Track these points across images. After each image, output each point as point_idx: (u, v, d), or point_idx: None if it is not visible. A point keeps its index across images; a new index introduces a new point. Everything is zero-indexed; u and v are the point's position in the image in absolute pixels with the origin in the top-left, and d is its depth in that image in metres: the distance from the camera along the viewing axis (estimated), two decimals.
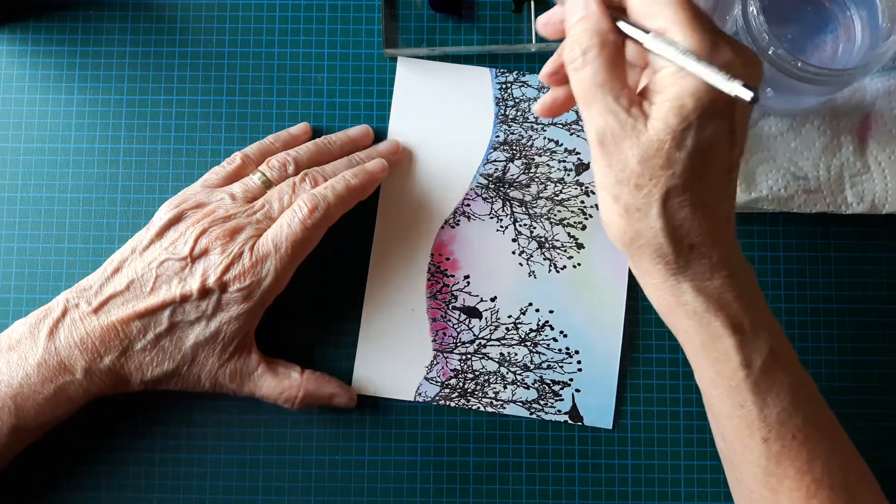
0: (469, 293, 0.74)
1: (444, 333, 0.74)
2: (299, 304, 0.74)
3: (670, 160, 0.52)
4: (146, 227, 0.68)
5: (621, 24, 0.54)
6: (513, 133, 0.76)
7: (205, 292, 0.65)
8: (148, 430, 0.73)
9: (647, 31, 0.53)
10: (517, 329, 0.74)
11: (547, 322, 0.74)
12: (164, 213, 0.67)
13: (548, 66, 0.60)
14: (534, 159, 0.75)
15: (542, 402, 0.73)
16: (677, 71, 0.51)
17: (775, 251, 0.74)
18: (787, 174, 0.73)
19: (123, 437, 0.73)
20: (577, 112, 0.75)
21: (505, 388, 0.73)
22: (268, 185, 0.69)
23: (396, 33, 0.76)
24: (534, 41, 0.76)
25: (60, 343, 0.64)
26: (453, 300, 0.74)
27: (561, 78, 0.59)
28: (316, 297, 0.74)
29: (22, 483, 0.72)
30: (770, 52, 0.65)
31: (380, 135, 0.75)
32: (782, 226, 0.75)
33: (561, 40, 0.57)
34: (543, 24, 0.60)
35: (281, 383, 0.69)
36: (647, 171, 0.52)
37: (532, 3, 0.76)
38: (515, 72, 0.76)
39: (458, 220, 0.75)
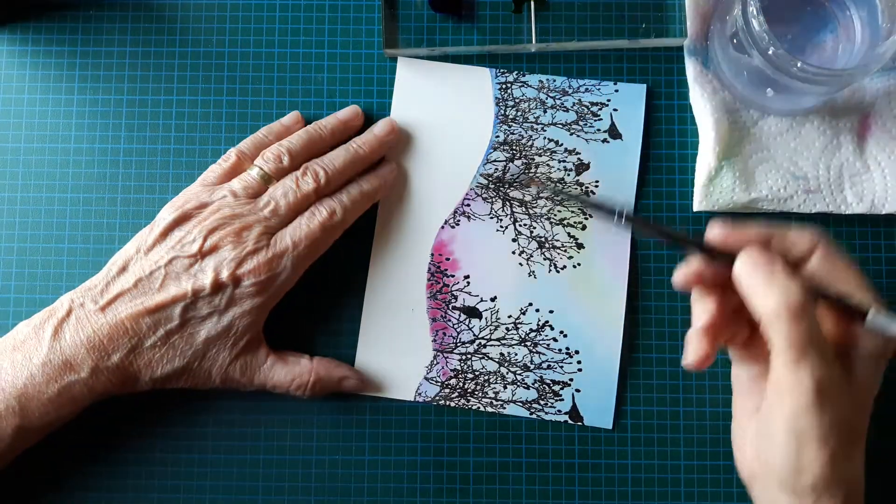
0: (469, 293, 0.75)
1: (444, 333, 0.74)
2: (300, 304, 0.74)
3: (871, 407, 0.59)
4: (149, 227, 0.68)
5: (873, 321, 0.58)
6: (513, 133, 0.76)
7: (218, 287, 0.65)
8: (148, 430, 0.73)
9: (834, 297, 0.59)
10: (517, 329, 0.74)
11: (547, 322, 0.74)
12: (167, 214, 0.68)
13: (689, 274, 0.61)
14: (534, 159, 0.76)
15: (542, 402, 0.73)
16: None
17: None
18: (787, 174, 0.74)
19: (124, 437, 0.73)
20: (577, 112, 0.76)
21: (505, 388, 0.73)
22: (265, 178, 0.70)
23: (396, 33, 0.76)
24: (534, 41, 0.76)
25: (66, 342, 0.64)
26: (453, 300, 0.74)
27: (703, 285, 0.61)
28: (316, 297, 0.75)
29: (22, 483, 0.72)
30: (770, 52, 0.66)
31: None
32: (782, 225, 0.74)
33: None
34: (692, 280, 0.61)
35: (292, 370, 0.70)
36: (857, 419, 0.58)
37: (532, 3, 0.76)
38: (515, 72, 0.76)
39: (458, 220, 0.75)
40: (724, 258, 0.59)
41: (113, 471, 0.73)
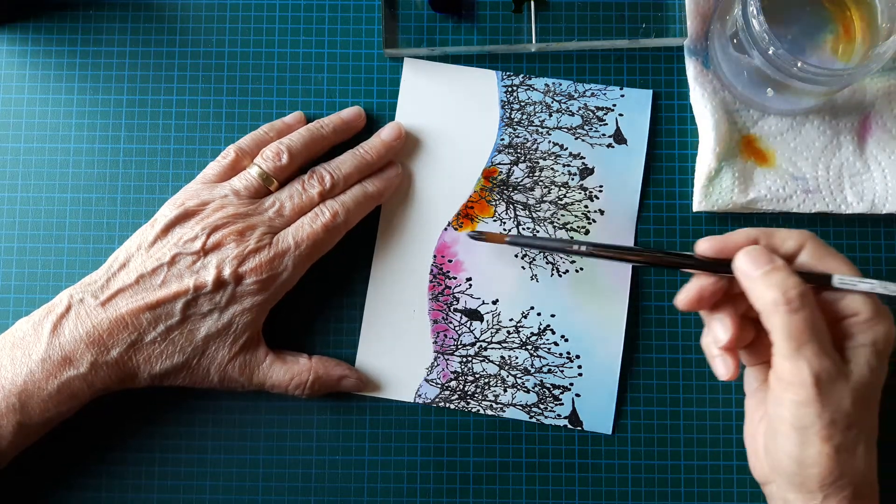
0: (471, 295, 0.76)
1: (445, 335, 0.76)
2: (301, 304, 0.76)
3: (873, 399, 0.62)
4: (149, 224, 0.70)
5: (839, 281, 0.62)
6: (517, 136, 0.77)
7: (220, 284, 0.67)
8: (148, 430, 0.75)
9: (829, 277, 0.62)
10: (518, 332, 0.76)
11: (548, 326, 0.76)
12: (168, 212, 0.70)
13: (692, 293, 0.66)
14: (538, 163, 0.77)
15: (541, 406, 0.75)
16: (869, 318, 0.61)
17: None
18: (786, 174, 0.75)
19: (123, 437, 0.75)
20: (582, 117, 0.77)
21: (505, 391, 0.75)
22: (264, 177, 0.72)
23: (396, 33, 0.78)
24: (534, 41, 0.77)
25: (65, 338, 0.66)
26: (455, 302, 0.76)
27: (706, 302, 0.66)
28: (318, 297, 0.76)
29: (22, 483, 0.73)
30: (770, 52, 0.68)
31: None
32: (782, 226, 0.76)
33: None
34: (696, 298, 0.66)
35: (290, 369, 0.72)
36: (857, 412, 0.60)
37: (532, 2, 0.78)
38: (521, 75, 0.78)
39: (462, 223, 0.77)
40: (720, 267, 0.65)
41: (113, 471, 0.74)
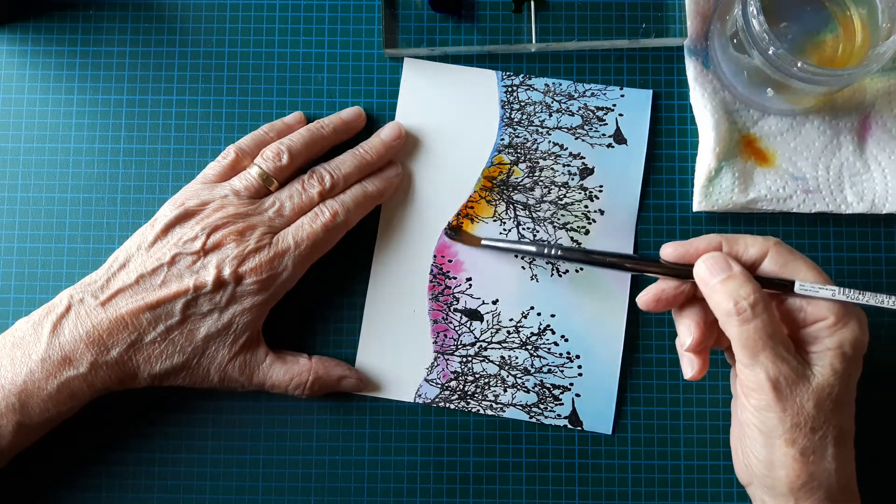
0: (471, 296, 0.77)
1: (445, 335, 0.76)
2: (301, 304, 0.76)
3: (839, 403, 0.62)
4: (149, 224, 0.70)
5: (800, 287, 0.64)
6: (518, 136, 0.78)
7: (220, 284, 0.68)
8: (148, 430, 0.75)
9: (791, 284, 0.64)
10: (518, 332, 0.76)
11: (548, 326, 0.76)
12: (168, 212, 0.70)
13: (650, 294, 0.69)
14: (538, 163, 0.78)
15: (541, 406, 0.75)
16: (835, 323, 0.63)
17: None
18: (786, 174, 0.76)
19: (123, 437, 0.75)
20: (582, 117, 0.78)
21: (505, 391, 0.75)
22: (264, 177, 0.72)
23: (396, 33, 0.78)
24: (534, 41, 0.78)
25: (65, 338, 0.66)
26: (455, 302, 0.76)
27: (665, 304, 0.68)
28: (318, 297, 0.77)
29: (22, 482, 0.74)
30: (770, 52, 0.68)
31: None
32: (782, 226, 0.77)
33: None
34: (653, 300, 0.68)
35: (290, 369, 0.72)
36: (821, 415, 0.61)
37: (532, 2, 0.78)
38: (521, 75, 0.78)
39: (462, 223, 0.77)
40: (683, 272, 0.67)
41: (113, 471, 0.75)
